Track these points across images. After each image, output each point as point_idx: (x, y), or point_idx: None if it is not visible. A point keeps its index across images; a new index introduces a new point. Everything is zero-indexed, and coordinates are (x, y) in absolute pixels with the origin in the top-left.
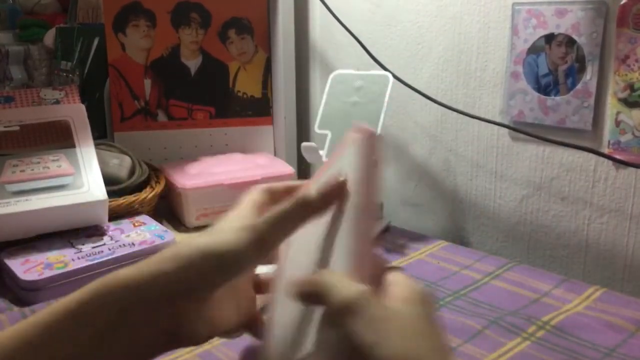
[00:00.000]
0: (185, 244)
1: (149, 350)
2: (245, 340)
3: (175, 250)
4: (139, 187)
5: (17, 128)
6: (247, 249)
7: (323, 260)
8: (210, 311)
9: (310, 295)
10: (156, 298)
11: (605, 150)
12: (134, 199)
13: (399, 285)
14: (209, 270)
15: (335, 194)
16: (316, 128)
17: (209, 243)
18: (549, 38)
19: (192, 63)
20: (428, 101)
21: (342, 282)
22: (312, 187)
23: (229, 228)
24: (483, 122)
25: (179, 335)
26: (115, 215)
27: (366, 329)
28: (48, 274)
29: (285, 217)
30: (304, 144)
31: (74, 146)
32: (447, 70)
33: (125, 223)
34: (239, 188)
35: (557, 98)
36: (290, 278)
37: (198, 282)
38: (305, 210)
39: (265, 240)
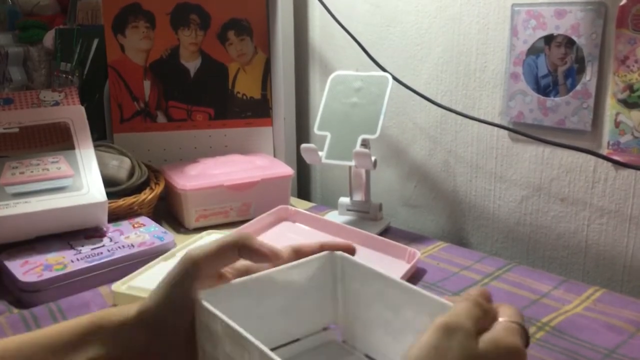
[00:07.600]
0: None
1: None
2: None
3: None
4: (139, 189)
5: (17, 130)
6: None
7: None
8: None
9: None
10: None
11: (605, 151)
12: (133, 200)
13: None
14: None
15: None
16: (316, 129)
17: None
18: (549, 39)
19: (192, 64)
20: (427, 102)
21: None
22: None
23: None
24: (482, 123)
25: None
26: (115, 216)
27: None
28: (47, 275)
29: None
30: (303, 145)
31: (73, 148)
32: (446, 72)
33: (124, 224)
34: (239, 189)
35: (557, 99)
36: None
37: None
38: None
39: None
